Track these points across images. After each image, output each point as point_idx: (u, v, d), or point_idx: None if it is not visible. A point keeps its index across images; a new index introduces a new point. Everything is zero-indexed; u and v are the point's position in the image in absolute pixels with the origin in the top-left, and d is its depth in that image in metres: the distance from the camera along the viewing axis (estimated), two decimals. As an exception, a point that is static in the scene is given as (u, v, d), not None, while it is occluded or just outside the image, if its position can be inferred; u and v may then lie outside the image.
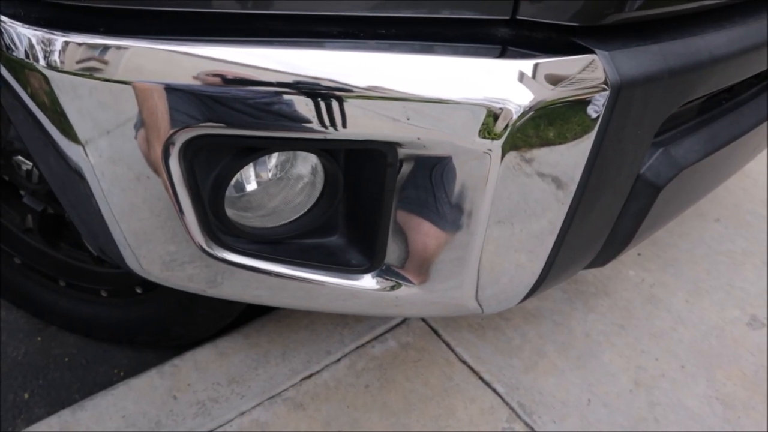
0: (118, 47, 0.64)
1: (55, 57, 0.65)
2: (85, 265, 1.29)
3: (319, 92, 0.60)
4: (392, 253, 0.75)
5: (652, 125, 0.74)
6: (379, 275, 0.77)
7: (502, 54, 0.64)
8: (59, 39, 0.64)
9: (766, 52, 0.86)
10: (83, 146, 0.70)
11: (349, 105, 0.61)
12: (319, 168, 0.73)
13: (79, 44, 0.64)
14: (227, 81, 0.61)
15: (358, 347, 1.35)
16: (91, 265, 1.28)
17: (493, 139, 0.63)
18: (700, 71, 0.73)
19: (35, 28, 0.65)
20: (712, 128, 0.90)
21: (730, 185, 1.90)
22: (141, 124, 0.66)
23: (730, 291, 1.58)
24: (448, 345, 1.37)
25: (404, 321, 1.41)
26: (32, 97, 0.69)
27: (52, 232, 1.26)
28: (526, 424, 1.23)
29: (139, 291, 1.25)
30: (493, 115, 0.62)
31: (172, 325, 1.29)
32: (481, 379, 1.31)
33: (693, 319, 1.49)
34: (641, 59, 0.68)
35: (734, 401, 1.31)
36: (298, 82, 0.60)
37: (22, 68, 0.67)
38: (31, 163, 1.09)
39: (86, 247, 1.24)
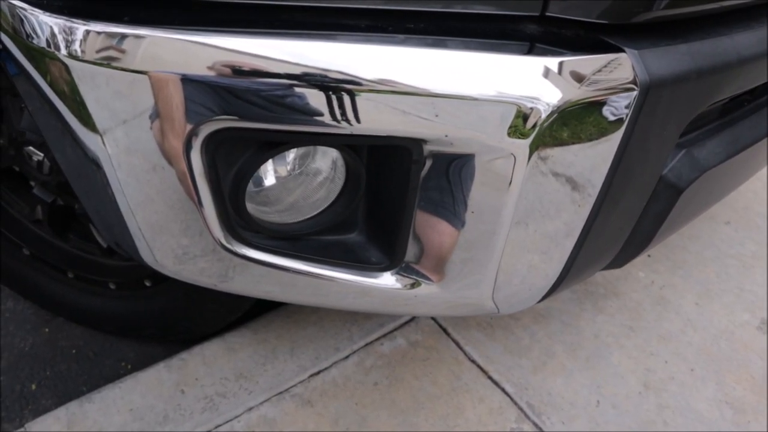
0: (137, 36, 0.63)
1: (76, 46, 0.64)
2: (94, 257, 1.28)
3: (346, 87, 0.59)
4: (412, 250, 0.74)
5: (677, 126, 0.73)
6: (398, 273, 0.76)
7: (531, 51, 0.63)
8: (80, 28, 0.63)
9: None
10: (101, 136, 0.69)
11: (375, 100, 0.60)
12: (340, 163, 0.72)
13: (99, 33, 0.63)
14: (253, 73, 0.60)
15: (366, 344, 1.34)
16: (99, 257, 1.28)
17: (520, 137, 0.62)
18: (728, 72, 0.72)
19: (57, 16, 0.64)
20: (734, 130, 0.89)
21: (741, 188, 1.89)
22: (160, 115, 0.65)
23: (739, 294, 1.57)
24: (457, 344, 1.37)
25: (413, 319, 1.41)
26: (51, 85, 0.68)
27: (62, 223, 1.25)
28: (535, 425, 1.23)
29: (147, 284, 1.24)
30: (521, 114, 0.61)
31: (181, 319, 1.28)
32: (490, 378, 1.30)
33: (702, 322, 1.48)
34: (670, 59, 0.67)
35: (744, 405, 1.30)
36: (325, 76, 0.59)
37: (43, 56, 0.66)
38: (42, 154, 1.08)
39: (95, 239, 1.24)
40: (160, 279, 1.21)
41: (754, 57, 0.75)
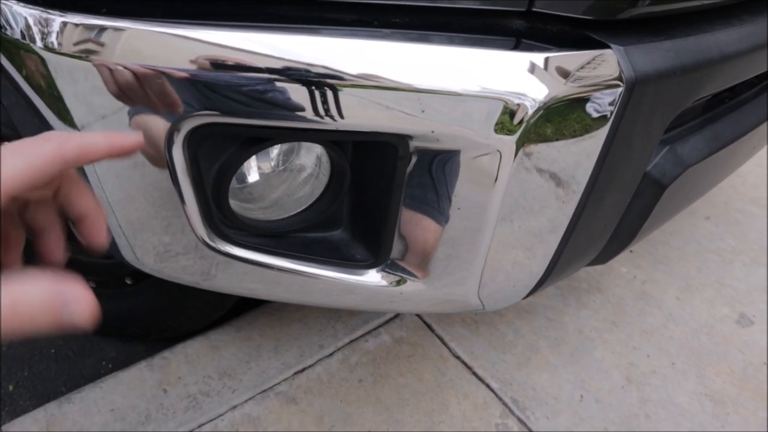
0: (117, 29, 0.61)
1: (53, 38, 0.62)
2: (74, 255, 1.25)
3: (330, 82, 0.58)
4: (397, 247, 0.74)
5: (662, 122, 0.74)
6: (383, 270, 0.76)
7: (517, 46, 0.63)
8: (57, 19, 0.61)
9: (768, 51, 0.86)
10: (80, 131, 0.68)
11: (360, 95, 0.59)
12: (325, 159, 0.71)
13: (77, 25, 0.62)
14: (236, 68, 0.59)
15: (351, 341, 1.34)
16: (79, 255, 1.25)
17: (507, 133, 0.61)
18: (711, 68, 0.73)
19: (32, 6, 0.62)
20: (716, 127, 0.89)
21: (721, 184, 1.92)
22: (141, 110, 0.64)
23: (719, 289, 1.60)
24: (441, 340, 1.37)
25: (398, 315, 1.40)
26: (27, 79, 0.66)
27: (39, 220, 1.22)
28: (520, 420, 1.23)
29: (129, 282, 1.22)
30: (508, 110, 0.60)
31: (163, 317, 1.27)
32: (475, 374, 1.31)
33: (684, 317, 1.50)
34: (655, 55, 0.67)
35: (723, 398, 1.32)
36: (309, 71, 0.58)
37: (18, 49, 0.64)
38: (18, 149, 1.05)
39: (74, 236, 1.21)
40: (142, 277, 1.19)
41: (735, 54, 0.75)
